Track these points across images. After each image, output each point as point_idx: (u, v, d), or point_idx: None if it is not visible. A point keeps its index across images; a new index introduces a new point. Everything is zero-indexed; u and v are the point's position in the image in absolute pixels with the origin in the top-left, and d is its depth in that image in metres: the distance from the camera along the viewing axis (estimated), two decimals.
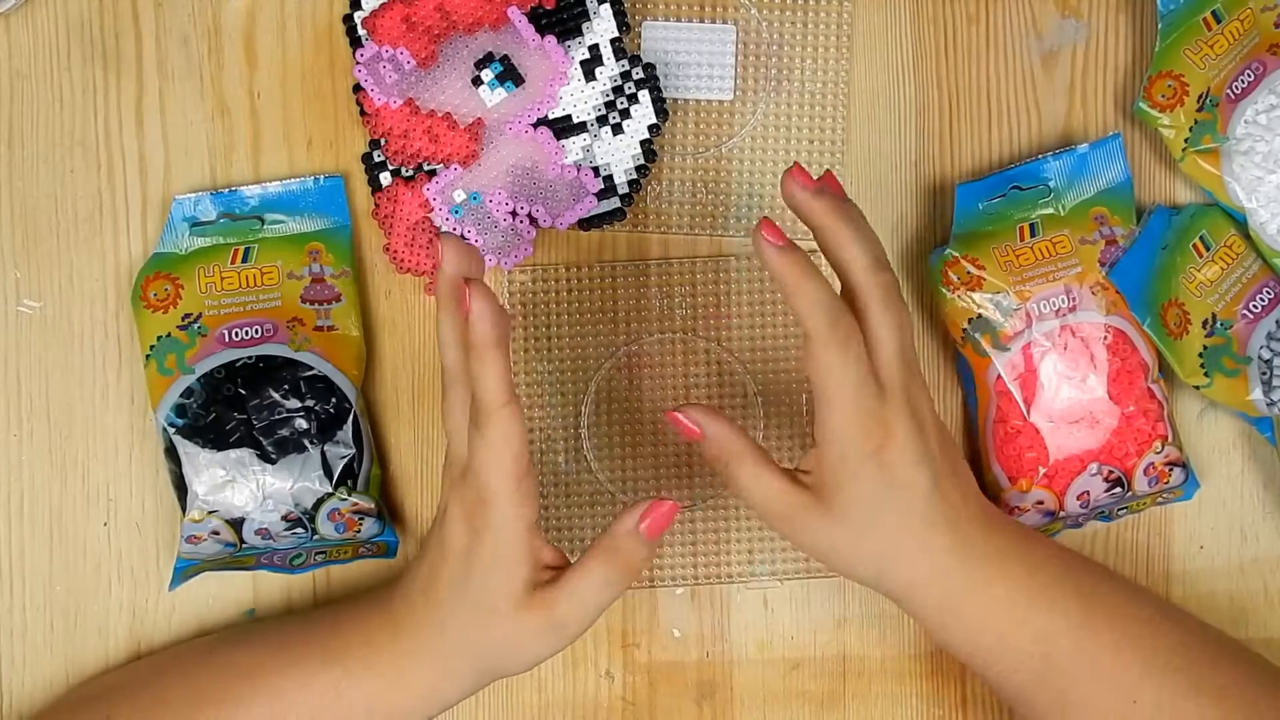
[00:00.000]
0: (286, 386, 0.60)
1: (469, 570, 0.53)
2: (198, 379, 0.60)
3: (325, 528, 0.60)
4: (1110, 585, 0.56)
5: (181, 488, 0.60)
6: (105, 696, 0.59)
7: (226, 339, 0.60)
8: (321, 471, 0.60)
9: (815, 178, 0.53)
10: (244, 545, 0.60)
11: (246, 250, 0.62)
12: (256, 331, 0.61)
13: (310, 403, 0.60)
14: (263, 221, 0.63)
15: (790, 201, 0.54)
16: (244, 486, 0.59)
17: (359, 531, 0.61)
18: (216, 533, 0.60)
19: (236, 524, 0.60)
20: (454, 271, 0.52)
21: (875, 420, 0.52)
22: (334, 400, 0.61)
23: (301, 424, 0.60)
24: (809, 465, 0.55)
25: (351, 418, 0.61)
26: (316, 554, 0.62)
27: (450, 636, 0.55)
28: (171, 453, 0.60)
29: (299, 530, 0.60)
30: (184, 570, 0.61)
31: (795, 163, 0.55)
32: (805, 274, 0.52)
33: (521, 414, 0.52)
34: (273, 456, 0.59)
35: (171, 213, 0.62)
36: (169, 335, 0.61)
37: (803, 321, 0.52)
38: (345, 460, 0.60)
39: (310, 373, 0.61)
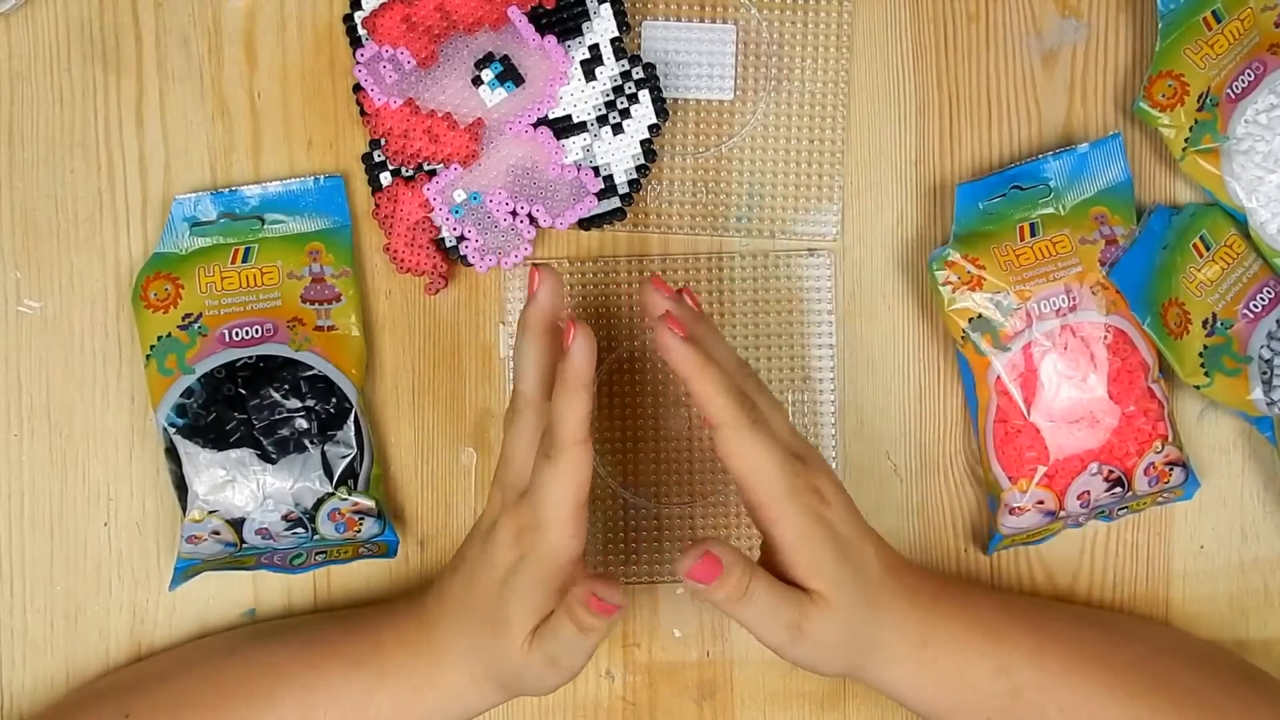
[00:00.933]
0: (287, 386, 0.60)
1: (505, 590, 0.54)
2: (198, 379, 0.60)
3: (325, 527, 0.60)
4: (1054, 614, 0.59)
5: (182, 487, 0.60)
6: (121, 692, 0.59)
7: (227, 339, 0.60)
8: (322, 471, 0.60)
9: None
10: (244, 545, 0.60)
11: (247, 250, 0.62)
12: (257, 331, 0.61)
13: (311, 403, 0.60)
14: (263, 221, 0.63)
15: (657, 346, 0.53)
16: (244, 486, 0.59)
17: (359, 531, 0.61)
18: (217, 533, 0.60)
19: (237, 524, 0.60)
20: (548, 305, 0.54)
21: (809, 488, 0.53)
22: (334, 400, 0.61)
23: (302, 424, 0.60)
24: (770, 565, 0.53)
25: (352, 417, 0.61)
26: (317, 554, 0.62)
27: (478, 649, 0.55)
28: (172, 453, 0.60)
29: (299, 530, 0.60)
30: (184, 570, 0.61)
31: (653, 275, 0.55)
32: (705, 364, 0.52)
33: (592, 453, 0.53)
34: (273, 456, 0.59)
35: (172, 213, 0.62)
36: (169, 335, 0.61)
37: (708, 411, 0.52)
38: (346, 460, 0.60)
39: (310, 372, 0.61)
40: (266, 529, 0.60)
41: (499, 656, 0.55)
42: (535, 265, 0.56)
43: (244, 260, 0.62)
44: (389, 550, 0.63)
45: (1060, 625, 0.59)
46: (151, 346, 0.61)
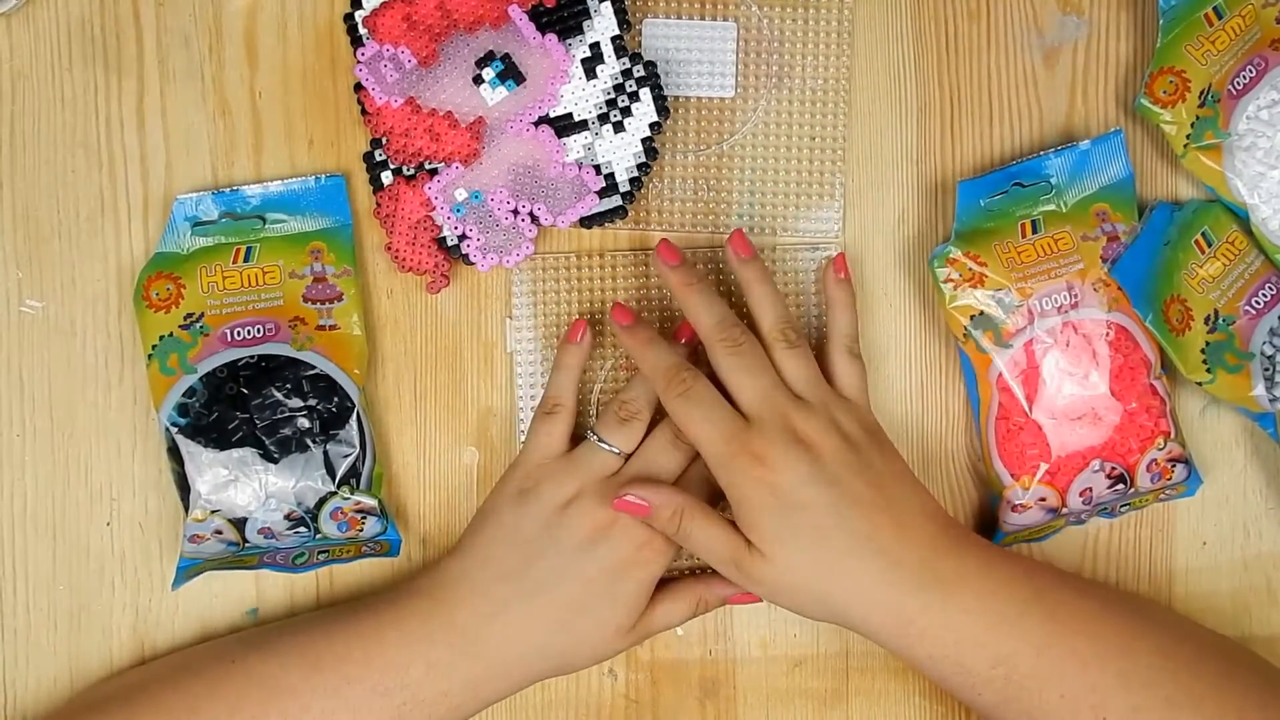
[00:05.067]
0: (289, 385, 0.60)
1: (614, 585, 0.57)
2: (200, 378, 0.60)
3: (328, 527, 0.60)
4: (1081, 599, 0.57)
5: (184, 487, 0.60)
6: (127, 699, 0.58)
7: (229, 338, 0.60)
8: (324, 470, 0.60)
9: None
10: (247, 545, 0.60)
11: (248, 250, 0.62)
12: (258, 331, 0.61)
13: (312, 402, 0.60)
14: (264, 221, 0.63)
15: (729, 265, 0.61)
16: (247, 486, 0.59)
17: (362, 530, 0.61)
18: (219, 532, 0.60)
19: (239, 523, 0.60)
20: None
21: (748, 456, 0.55)
22: (336, 399, 0.61)
23: (304, 423, 0.60)
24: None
25: (354, 416, 0.61)
26: (319, 553, 0.62)
27: (539, 643, 0.57)
28: (174, 452, 0.60)
29: (302, 529, 0.60)
30: (187, 570, 0.61)
31: (737, 230, 0.61)
32: (648, 342, 0.59)
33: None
34: (275, 456, 0.60)
35: (173, 212, 0.62)
36: (171, 335, 0.61)
37: (649, 376, 0.59)
38: (348, 459, 0.60)
39: (312, 372, 0.61)
40: (269, 528, 0.60)
41: (578, 652, 0.58)
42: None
43: (245, 260, 0.62)
44: (391, 549, 0.63)
45: (1084, 610, 0.56)
46: (153, 346, 0.61)
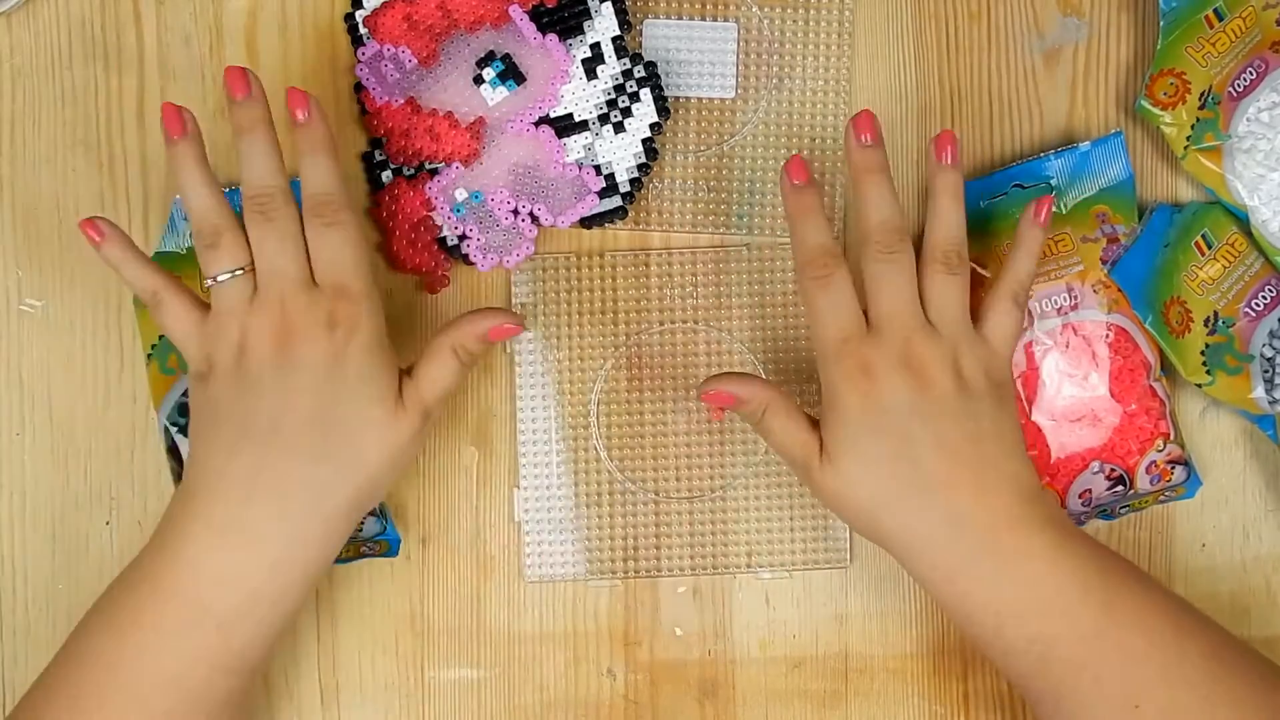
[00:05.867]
0: None
1: (337, 371, 0.53)
2: None
3: None
4: (1147, 592, 0.55)
5: None
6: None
7: None
8: None
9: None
10: None
11: None
12: None
13: None
14: None
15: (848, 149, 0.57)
16: None
17: (360, 530, 0.61)
18: None
19: None
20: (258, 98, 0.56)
21: (856, 362, 0.54)
22: None
23: None
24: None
25: None
26: None
27: (308, 477, 0.52)
28: (174, 452, 0.60)
29: None
30: None
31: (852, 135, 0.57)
32: (808, 212, 0.56)
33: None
34: None
35: (171, 212, 0.62)
36: None
37: (795, 256, 0.56)
38: None
39: None
40: None
41: (360, 456, 0.53)
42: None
43: None
44: (391, 549, 0.63)
45: (1144, 604, 0.54)
46: (153, 346, 0.61)
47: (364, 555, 0.63)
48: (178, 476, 0.60)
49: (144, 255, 0.56)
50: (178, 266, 0.62)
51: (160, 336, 0.61)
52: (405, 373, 0.56)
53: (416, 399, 0.55)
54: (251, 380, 0.53)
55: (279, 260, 0.54)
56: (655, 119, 0.62)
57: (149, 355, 0.61)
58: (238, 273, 0.54)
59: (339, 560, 0.63)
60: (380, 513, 0.61)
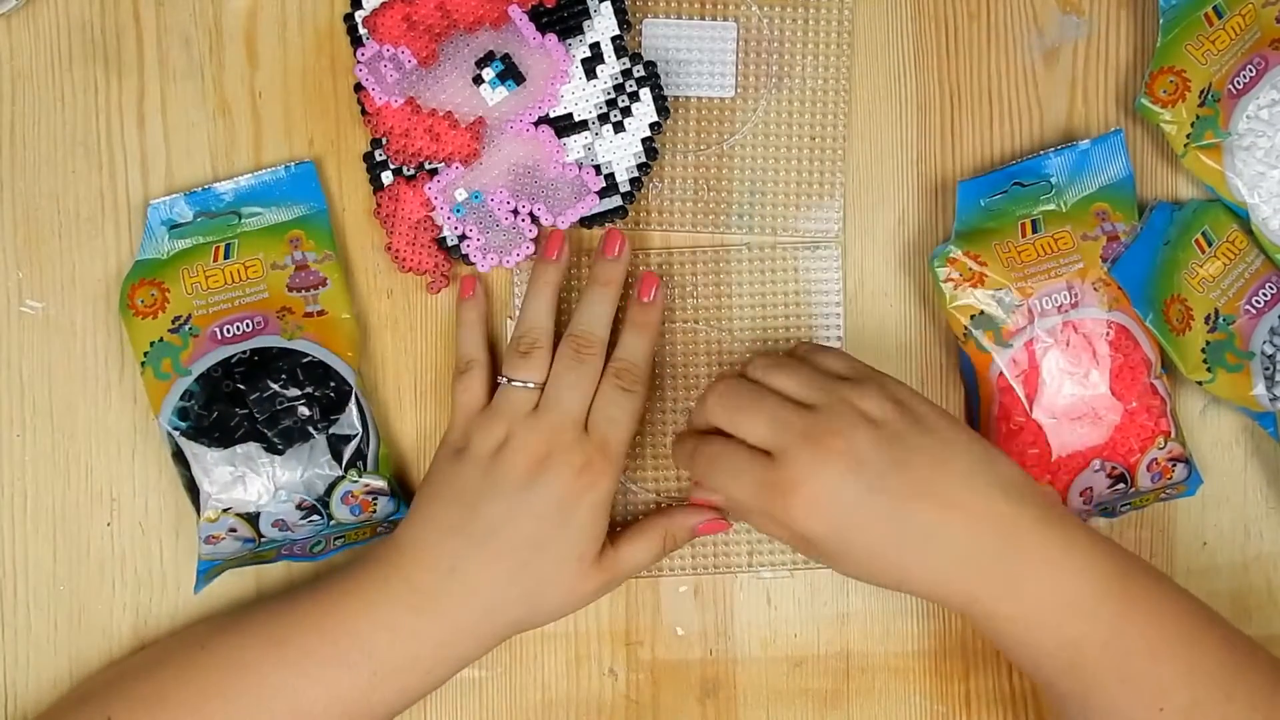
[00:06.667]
0: (284, 376, 0.60)
1: (564, 515, 0.57)
2: (195, 379, 0.60)
3: (340, 512, 0.60)
4: (1159, 584, 0.55)
5: (194, 490, 0.60)
6: (100, 694, 0.58)
7: (219, 336, 0.60)
8: (329, 456, 0.60)
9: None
10: (263, 539, 0.60)
11: (227, 246, 0.62)
12: (247, 326, 0.61)
13: (310, 389, 0.60)
14: (240, 216, 0.63)
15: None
16: (255, 480, 0.59)
17: (374, 512, 0.61)
18: (234, 530, 0.60)
19: (252, 519, 0.60)
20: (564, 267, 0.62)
21: (772, 490, 0.54)
22: (333, 384, 0.61)
23: (304, 411, 0.60)
24: None
25: (353, 400, 0.61)
26: (335, 539, 0.62)
27: (510, 598, 0.57)
28: (179, 456, 0.60)
29: (315, 518, 0.60)
30: (207, 571, 0.61)
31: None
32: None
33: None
34: (279, 447, 0.60)
35: (148, 217, 0.62)
36: (161, 340, 0.61)
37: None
38: (352, 442, 0.60)
39: (306, 359, 0.61)
40: (282, 520, 0.60)
41: (544, 593, 0.57)
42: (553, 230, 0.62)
43: (226, 257, 0.62)
44: None
45: (1160, 597, 0.54)
46: (145, 353, 0.61)
47: (380, 536, 0.63)
48: (186, 480, 0.60)
49: (485, 329, 0.62)
50: (160, 272, 0.61)
51: (152, 344, 0.61)
52: (610, 538, 0.60)
53: (612, 565, 0.59)
54: (494, 480, 0.57)
55: (568, 395, 0.58)
56: (655, 119, 0.62)
57: (142, 364, 0.61)
58: (529, 385, 0.59)
59: (356, 542, 0.63)
60: (393, 492, 0.61)
